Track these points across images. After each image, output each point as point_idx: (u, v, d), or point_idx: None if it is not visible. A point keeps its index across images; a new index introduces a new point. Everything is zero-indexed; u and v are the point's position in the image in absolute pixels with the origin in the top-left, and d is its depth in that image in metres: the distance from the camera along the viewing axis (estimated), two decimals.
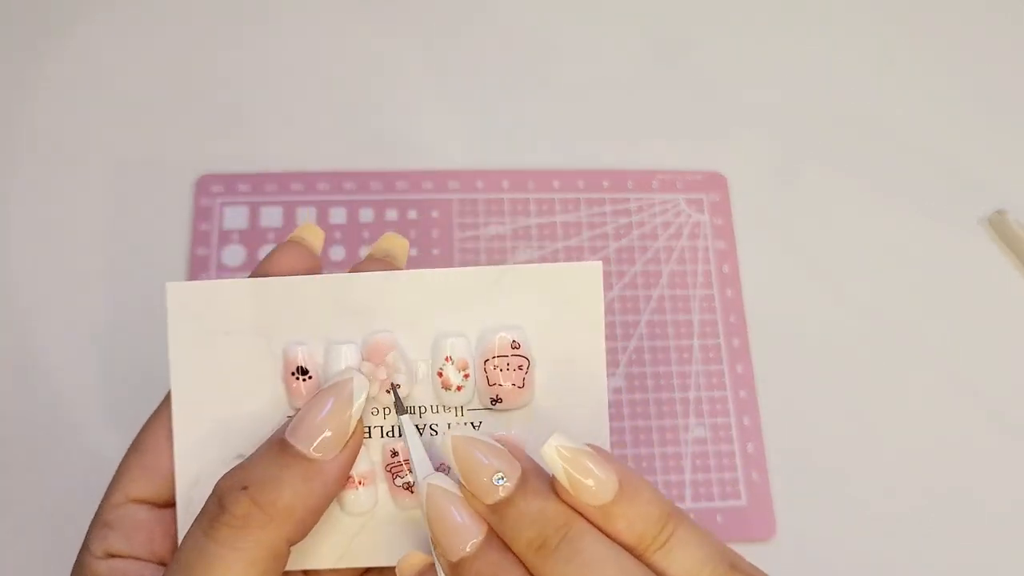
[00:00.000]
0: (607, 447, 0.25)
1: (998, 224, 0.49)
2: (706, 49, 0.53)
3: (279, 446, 0.23)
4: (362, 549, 0.26)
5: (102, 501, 0.26)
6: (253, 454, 0.24)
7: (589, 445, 0.22)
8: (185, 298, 0.26)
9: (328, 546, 0.26)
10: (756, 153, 0.51)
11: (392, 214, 0.47)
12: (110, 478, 0.27)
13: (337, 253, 0.46)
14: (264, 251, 0.46)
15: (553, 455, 0.22)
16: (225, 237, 0.46)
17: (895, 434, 0.45)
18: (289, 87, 0.50)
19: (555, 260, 0.47)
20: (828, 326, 0.47)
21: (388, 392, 0.25)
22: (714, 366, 0.46)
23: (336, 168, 0.48)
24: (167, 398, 0.26)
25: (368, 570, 0.27)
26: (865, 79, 0.54)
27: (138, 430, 0.27)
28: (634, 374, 0.45)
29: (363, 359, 0.25)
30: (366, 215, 0.47)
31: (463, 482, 0.22)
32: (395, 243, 0.29)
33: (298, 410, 0.24)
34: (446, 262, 0.46)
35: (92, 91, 0.49)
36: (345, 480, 0.24)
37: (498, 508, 0.22)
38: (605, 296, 0.46)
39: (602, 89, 0.52)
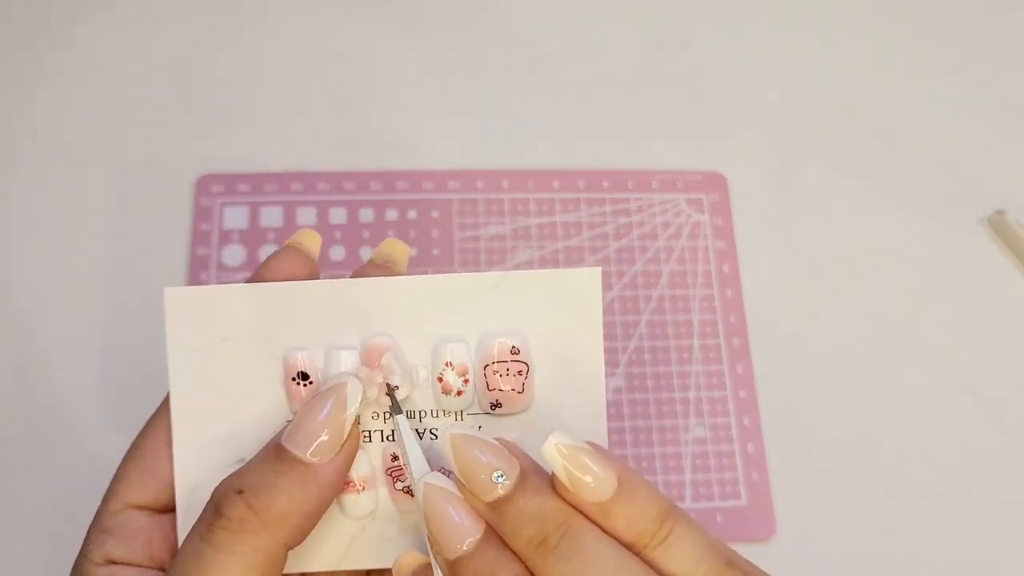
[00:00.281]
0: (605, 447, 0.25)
1: (998, 224, 0.49)
2: (706, 49, 0.53)
3: (275, 451, 0.23)
4: (362, 551, 0.26)
5: (100, 507, 0.26)
6: (251, 459, 0.24)
7: (588, 443, 0.22)
8: (183, 303, 0.26)
9: (328, 548, 0.26)
10: (756, 153, 0.51)
11: (392, 214, 0.47)
12: (110, 479, 0.27)
13: (337, 253, 0.46)
14: (264, 251, 0.46)
15: (553, 452, 0.22)
16: (225, 237, 0.46)
17: (895, 434, 0.45)
18: (289, 87, 0.50)
19: (555, 260, 0.47)
20: (828, 326, 0.47)
21: (387, 394, 0.25)
22: (714, 366, 0.46)
23: (336, 168, 0.48)
24: (165, 402, 0.26)
25: (369, 572, 0.27)
26: (865, 79, 0.54)
27: (137, 432, 0.27)
28: (634, 374, 0.45)
29: (360, 363, 0.25)
30: (366, 215, 0.47)
31: (462, 480, 0.22)
32: (396, 248, 0.29)
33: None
34: (446, 262, 0.46)
35: (92, 91, 0.49)
36: (342, 484, 0.24)
37: (497, 506, 0.22)
38: (605, 296, 0.47)
39: (602, 89, 0.52)
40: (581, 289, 0.26)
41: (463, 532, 0.22)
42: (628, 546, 0.22)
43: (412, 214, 0.47)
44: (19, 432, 0.42)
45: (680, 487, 0.43)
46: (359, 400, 0.24)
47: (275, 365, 0.26)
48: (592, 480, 0.22)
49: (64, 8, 0.51)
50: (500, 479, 0.22)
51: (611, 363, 0.45)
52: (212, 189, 0.47)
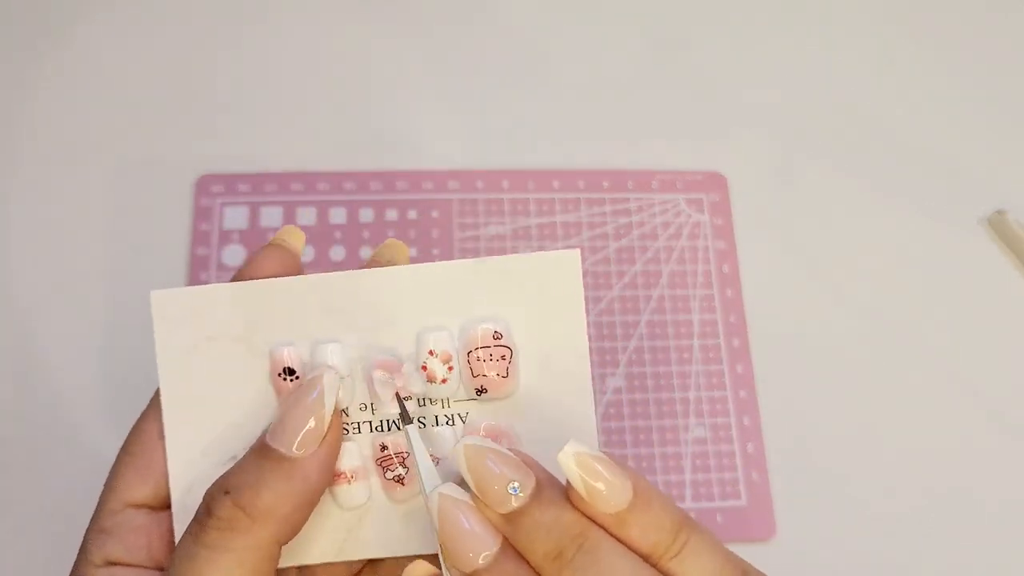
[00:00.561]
0: (594, 431, 0.26)
1: (998, 224, 0.49)
2: (706, 49, 0.53)
3: (260, 448, 0.24)
4: (359, 542, 0.26)
5: (97, 508, 0.26)
6: (239, 460, 0.24)
7: (604, 452, 0.22)
8: (170, 305, 0.26)
9: (325, 541, 0.26)
10: (756, 153, 0.51)
11: (392, 214, 0.47)
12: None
13: (337, 253, 0.46)
14: None
15: (569, 462, 0.22)
16: (225, 237, 0.46)
17: (895, 434, 0.45)
18: (289, 87, 0.50)
19: None
20: (828, 326, 0.47)
21: (392, 400, 0.25)
22: (714, 366, 0.46)
23: (336, 168, 0.48)
24: (153, 401, 0.27)
25: (368, 564, 0.27)
26: (865, 79, 0.54)
27: None
28: (634, 374, 0.45)
29: (376, 367, 0.26)
30: (366, 215, 0.47)
31: (476, 492, 0.22)
32: (397, 250, 0.29)
33: None
34: None
35: (92, 91, 0.49)
36: (328, 476, 0.24)
37: (512, 518, 0.22)
38: (605, 296, 0.47)
39: (602, 89, 0.52)
40: (560, 271, 0.26)
41: (480, 545, 0.22)
42: (644, 557, 0.22)
43: (412, 214, 0.47)
44: (19, 432, 0.42)
45: (680, 487, 0.43)
46: (336, 392, 0.24)
47: (262, 362, 0.26)
48: (607, 490, 0.21)
49: (64, 8, 0.51)
50: (516, 491, 0.22)
51: (611, 363, 0.45)
52: (212, 189, 0.47)
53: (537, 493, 0.22)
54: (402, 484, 0.26)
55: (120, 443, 0.27)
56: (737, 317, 0.47)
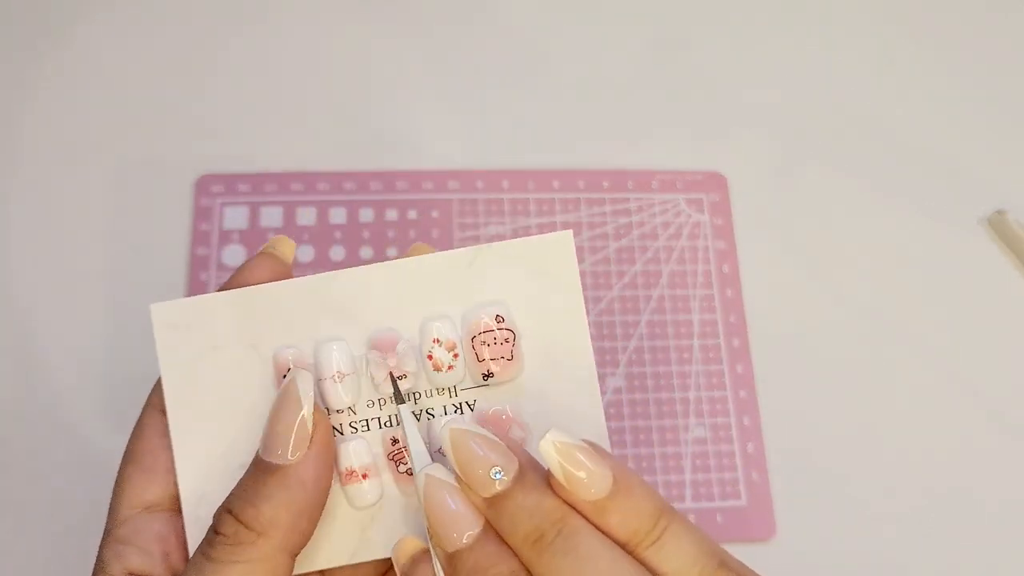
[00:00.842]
0: (599, 410, 0.26)
1: (998, 224, 0.49)
2: (706, 49, 0.53)
3: (256, 462, 0.24)
4: (375, 541, 0.26)
5: (109, 517, 0.26)
6: (241, 477, 0.24)
7: (585, 441, 0.23)
8: (171, 317, 0.26)
9: (341, 543, 0.26)
10: (756, 153, 0.51)
11: (392, 214, 0.47)
12: (110, 478, 0.27)
13: (337, 253, 0.46)
14: None
15: (550, 450, 0.22)
16: (225, 237, 0.46)
17: (895, 434, 0.45)
18: (289, 87, 0.50)
19: None
20: (828, 326, 0.47)
21: (386, 380, 0.25)
22: (714, 366, 0.46)
23: (336, 168, 0.48)
24: (151, 401, 0.27)
25: (390, 567, 0.27)
26: (865, 79, 0.54)
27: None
28: (634, 374, 0.45)
29: (371, 348, 0.26)
30: (366, 215, 0.47)
31: (460, 474, 0.23)
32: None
33: None
34: None
35: (92, 91, 0.49)
36: (327, 477, 0.24)
37: (495, 502, 0.22)
38: (605, 296, 0.47)
39: (602, 89, 0.52)
40: (555, 253, 0.26)
41: (462, 525, 0.22)
42: (622, 544, 0.22)
43: (412, 214, 0.47)
44: (19, 432, 0.42)
45: (680, 487, 0.43)
46: (312, 391, 0.24)
47: (267, 368, 0.26)
48: (587, 477, 0.22)
49: (64, 8, 0.51)
50: (498, 475, 0.22)
51: (611, 363, 0.45)
52: (212, 189, 0.47)
53: (520, 478, 0.22)
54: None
55: (120, 443, 0.27)
56: (737, 317, 0.47)
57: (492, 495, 0.22)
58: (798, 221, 0.50)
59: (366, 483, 0.25)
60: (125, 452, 0.27)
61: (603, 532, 0.22)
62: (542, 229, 0.47)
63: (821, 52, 0.54)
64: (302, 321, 0.26)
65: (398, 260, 0.26)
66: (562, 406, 0.26)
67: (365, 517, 0.26)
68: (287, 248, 0.29)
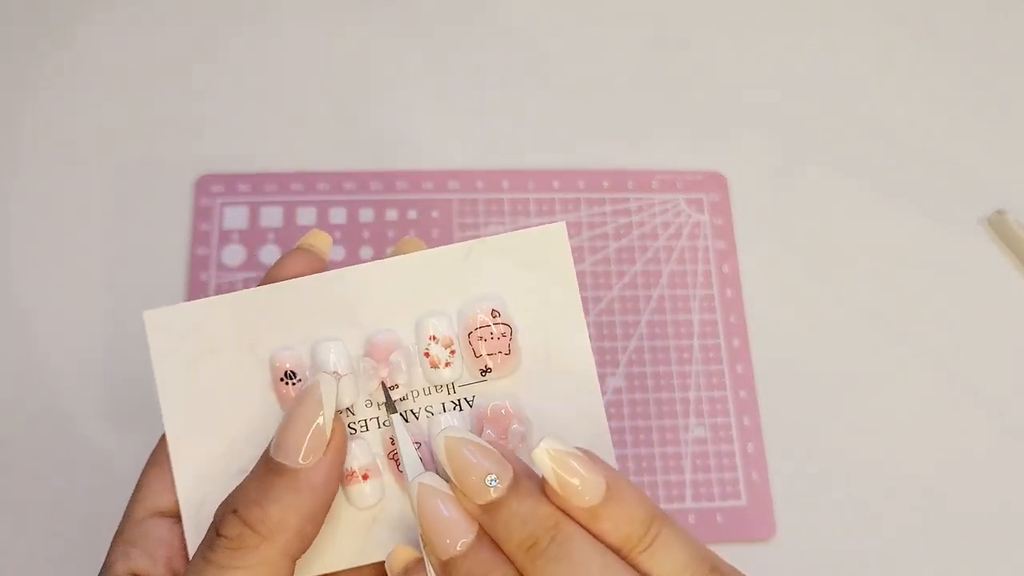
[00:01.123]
0: (599, 401, 0.26)
1: (998, 224, 0.49)
2: (706, 49, 0.53)
3: (265, 463, 0.24)
4: (379, 542, 0.26)
5: (123, 519, 0.26)
6: (247, 475, 0.24)
7: (578, 448, 0.23)
8: (165, 324, 0.26)
9: (346, 545, 0.26)
10: (756, 153, 0.51)
11: (392, 214, 0.47)
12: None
13: (337, 253, 0.46)
14: (264, 251, 0.46)
15: (544, 457, 0.22)
16: (225, 237, 0.46)
17: (895, 434, 0.45)
18: (289, 87, 0.50)
19: None
20: (828, 326, 0.47)
21: (377, 390, 0.25)
22: (714, 366, 0.46)
23: (336, 168, 0.48)
24: None
25: None
26: (865, 79, 0.54)
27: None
28: (634, 374, 0.45)
29: (365, 355, 0.26)
30: (366, 215, 0.47)
31: (455, 482, 0.23)
32: (415, 247, 0.29)
33: None
34: None
35: (92, 91, 0.49)
36: (336, 483, 0.24)
37: (489, 509, 0.22)
38: (605, 296, 0.47)
39: (602, 89, 0.52)
40: (550, 245, 0.26)
41: (456, 533, 0.22)
42: (615, 550, 0.22)
43: (412, 214, 0.47)
44: (19, 432, 0.42)
45: (680, 487, 0.43)
46: (335, 395, 0.24)
47: (262, 372, 0.26)
48: (581, 484, 0.22)
49: (64, 8, 0.51)
50: (493, 483, 0.22)
51: (611, 363, 0.45)
52: (212, 189, 0.47)
53: (514, 485, 0.22)
54: None
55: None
56: (737, 317, 0.47)
57: (487, 502, 0.22)
58: (798, 221, 0.50)
59: (367, 484, 0.25)
60: (151, 456, 0.27)
61: (596, 538, 0.22)
62: None
63: (821, 52, 0.54)
64: (299, 322, 0.26)
65: (393, 258, 0.26)
66: (561, 399, 0.26)
67: (367, 519, 0.26)
68: (323, 243, 0.29)
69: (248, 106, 0.49)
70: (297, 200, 0.47)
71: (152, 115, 0.49)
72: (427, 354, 0.26)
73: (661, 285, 0.47)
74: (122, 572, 0.25)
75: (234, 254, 0.46)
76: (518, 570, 0.22)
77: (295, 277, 0.27)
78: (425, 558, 0.23)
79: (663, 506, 0.42)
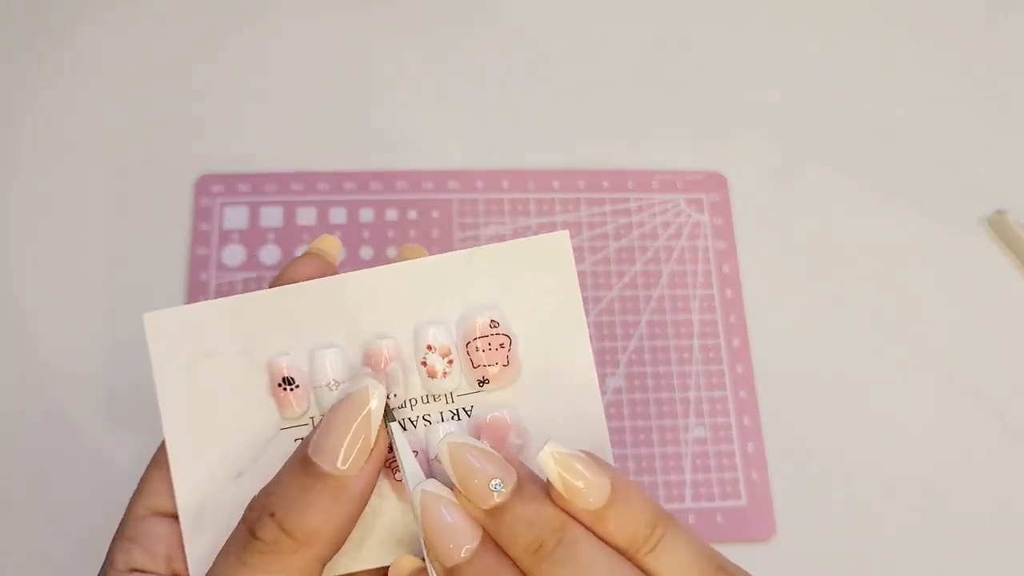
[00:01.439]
0: (600, 412, 0.26)
1: (998, 224, 0.49)
2: (706, 49, 0.53)
3: (302, 465, 0.23)
4: (376, 548, 0.26)
5: (125, 515, 0.26)
6: (279, 473, 0.24)
7: (583, 451, 0.23)
8: (164, 326, 0.26)
9: (342, 551, 0.26)
10: (756, 153, 0.51)
11: (392, 214, 0.47)
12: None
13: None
14: (264, 251, 0.46)
15: (549, 460, 0.22)
16: (225, 237, 0.46)
17: (895, 434, 0.45)
18: (289, 87, 0.50)
19: None
20: (828, 326, 0.47)
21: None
22: (714, 366, 0.46)
23: (336, 168, 0.48)
24: None
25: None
26: (865, 79, 0.54)
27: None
28: (634, 374, 0.45)
29: (363, 363, 0.25)
30: (366, 215, 0.47)
31: (459, 487, 0.23)
32: (415, 253, 0.29)
33: (313, 420, 0.25)
34: None
35: (92, 91, 0.49)
36: (371, 490, 0.24)
37: (494, 513, 0.22)
38: (605, 296, 0.47)
39: (602, 89, 0.52)
40: (552, 254, 0.26)
41: (461, 539, 0.22)
42: (621, 552, 0.22)
43: (412, 214, 0.47)
44: (19, 432, 0.42)
45: (680, 487, 0.43)
46: (383, 404, 0.24)
47: (260, 375, 0.26)
48: (586, 487, 0.22)
49: (64, 8, 0.51)
50: (498, 487, 0.22)
51: (611, 363, 0.45)
52: (212, 189, 0.47)
53: (519, 489, 0.22)
54: None
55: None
56: (737, 317, 0.47)
57: (491, 507, 0.22)
58: (798, 221, 0.50)
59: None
60: (154, 455, 0.27)
61: (602, 540, 0.22)
62: (542, 229, 0.47)
63: (821, 52, 0.54)
64: (298, 327, 0.26)
65: (392, 264, 0.26)
66: (562, 410, 0.26)
67: (365, 523, 0.25)
68: (333, 248, 0.29)
69: (248, 106, 0.49)
70: (297, 200, 0.47)
71: (152, 115, 0.49)
72: (424, 363, 0.25)
73: (661, 285, 0.47)
74: (122, 567, 0.25)
75: (234, 254, 0.46)
76: (524, 574, 0.22)
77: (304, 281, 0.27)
78: (428, 566, 0.23)
79: (663, 506, 0.42)
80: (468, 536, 0.22)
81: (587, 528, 0.22)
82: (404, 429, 0.26)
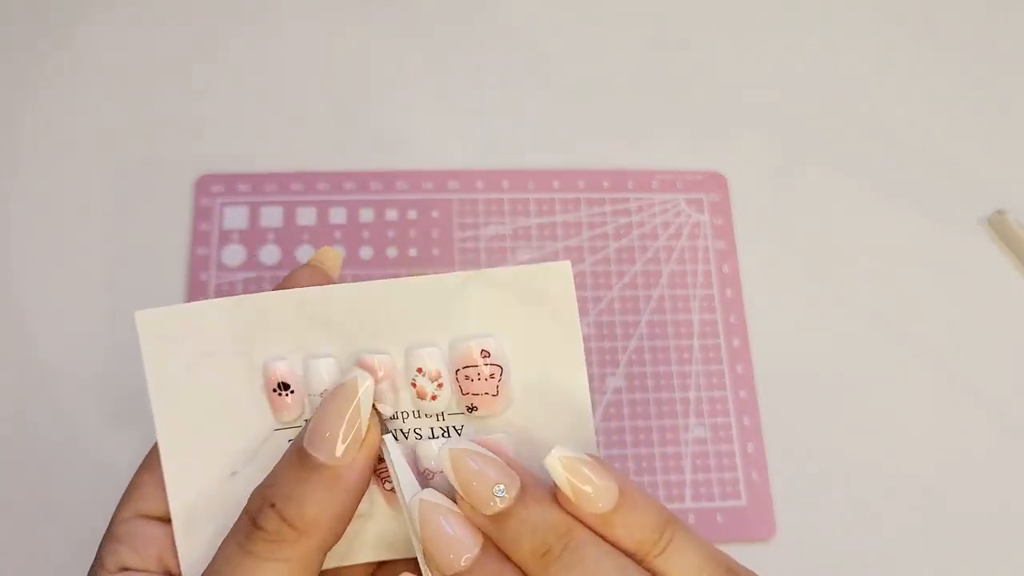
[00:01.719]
0: (594, 447, 0.25)
1: (998, 224, 0.49)
2: (706, 49, 0.53)
3: (298, 456, 0.23)
4: (364, 546, 0.26)
5: (113, 516, 0.26)
6: (277, 465, 0.24)
7: (589, 455, 0.23)
8: (157, 325, 0.26)
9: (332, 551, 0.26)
10: (756, 153, 0.51)
11: (392, 214, 0.47)
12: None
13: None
14: (264, 251, 0.46)
15: (556, 464, 0.22)
16: (225, 237, 0.46)
17: (895, 434, 0.45)
18: (289, 87, 0.50)
19: (556, 260, 0.47)
20: (828, 326, 0.47)
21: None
22: (714, 366, 0.46)
23: (336, 168, 0.48)
24: None
25: (379, 567, 0.27)
26: (865, 79, 0.54)
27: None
28: (634, 374, 0.45)
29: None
30: (366, 215, 0.47)
31: (462, 494, 0.23)
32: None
33: (307, 420, 0.24)
34: (446, 262, 0.46)
35: (92, 91, 0.49)
36: (367, 480, 0.24)
37: (498, 518, 0.22)
38: (605, 296, 0.47)
39: (602, 89, 0.52)
40: (553, 284, 0.25)
41: (461, 548, 0.22)
42: (629, 555, 0.22)
43: (412, 214, 0.47)
44: (19, 432, 0.42)
45: (680, 487, 0.43)
46: (371, 394, 0.24)
47: (256, 376, 0.26)
48: (594, 491, 0.22)
49: (64, 8, 0.51)
50: (501, 492, 0.22)
51: (611, 363, 0.45)
52: (212, 189, 0.47)
53: (522, 494, 0.22)
54: None
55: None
56: (737, 317, 0.47)
57: (495, 512, 0.22)
58: (798, 221, 0.50)
59: None
60: (144, 458, 0.27)
61: (610, 544, 0.22)
62: (542, 229, 0.47)
63: (821, 52, 0.54)
64: (293, 333, 0.25)
65: (388, 280, 0.25)
66: (553, 437, 0.25)
67: (355, 525, 0.25)
68: (333, 261, 0.29)
69: (248, 106, 0.49)
70: (297, 200, 0.47)
71: (152, 115, 0.49)
72: (414, 384, 0.25)
73: (661, 285, 0.47)
74: (112, 568, 0.25)
75: (234, 254, 0.46)
76: None
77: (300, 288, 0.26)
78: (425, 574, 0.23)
79: None
80: (469, 544, 0.22)
81: (594, 532, 0.22)
82: (396, 439, 0.25)
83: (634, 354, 0.46)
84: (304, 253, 0.46)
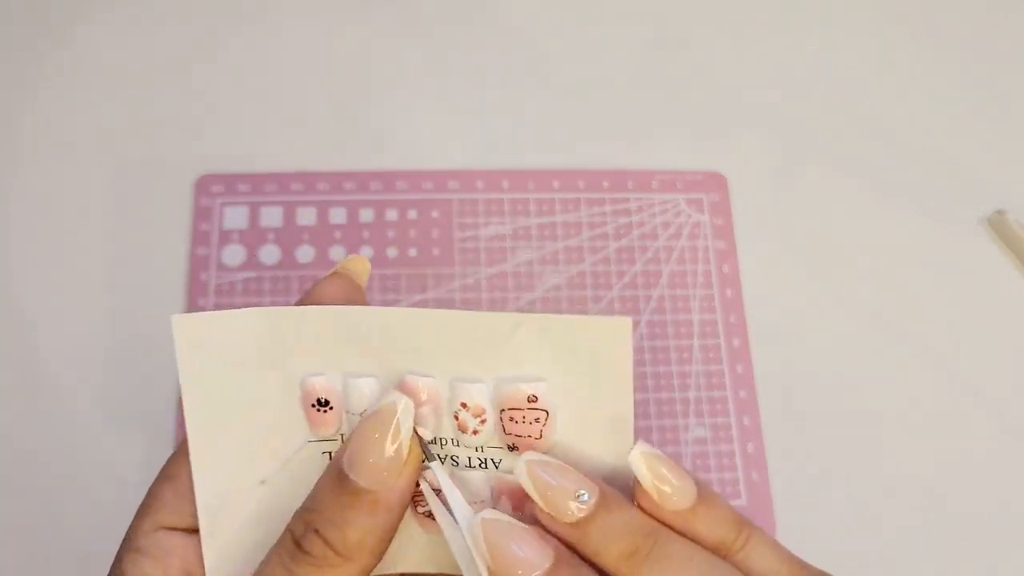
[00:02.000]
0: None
1: (998, 224, 0.49)
2: (706, 49, 0.53)
3: (339, 480, 0.23)
4: (392, 557, 0.26)
5: (132, 525, 0.26)
6: (317, 487, 0.24)
7: (663, 454, 0.23)
8: (193, 330, 0.25)
9: None
10: (756, 153, 0.51)
11: (392, 214, 0.47)
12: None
13: (337, 253, 0.46)
14: (264, 251, 0.46)
15: (639, 462, 0.22)
16: (225, 237, 0.46)
17: (895, 434, 0.45)
18: (289, 87, 0.50)
19: (555, 260, 0.47)
20: (828, 326, 0.47)
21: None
22: (714, 366, 0.46)
23: (336, 168, 0.48)
24: None
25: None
26: (865, 79, 0.54)
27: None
28: (634, 374, 0.45)
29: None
30: (366, 215, 0.47)
31: (542, 504, 0.22)
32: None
33: (343, 436, 0.24)
34: (446, 262, 0.46)
35: (92, 91, 0.49)
36: (407, 502, 0.24)
37: (581, 525, 0.22)
38: (605, 296, 0.47)
39: (602, 89, 0.52)
40: (609, 339, 0.24)
41: (531, 566, 0.22)
42: (712, 551, 0.22)
43: (412, 214, 0.47)
44: (19, 432, 0.42)
45: None
46: (411, 419, 0.23)
47: (291, 388, 0.25)
48: (673, 489, 0.22)
49: (64, 8, 0.51)
50: (585, 498, 0.22)
51: None
52: (212, 189, 0.47)
53: (603, 499, 0.22)
54: (434, 519, 0.25)
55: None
56: (737, 317, 0.47)
57: (576, 520, 0.22)
58: (798, 221, 0.50)
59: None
60: (163, 468, 0.26)
61: (693, 542, 0.22)
62: (542, 229, 0.47)
63: (821, 52, 0.54)
64: (331, 349, 0.25)
65: (438, 311, 0.24)
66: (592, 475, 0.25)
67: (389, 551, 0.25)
68: (361, 268, 0.28)
69: (248, 106, 0.49)
70: (297, 200, 0.47)
71: (152, 115, 0.49)
72: (457, 417, 0.25)
73: (661, 285, 0.47)
74: None
75: (234, 254, 0.46)
76: None
77: (331, 302, 0.26)
78: None
79: None
80: (541, 559, 0.22)
81: (676, 531, 0.22)
82: (442, 462, 0.25)
83: (634, 354, 0.46)
84: (304, 253, 0.46)
